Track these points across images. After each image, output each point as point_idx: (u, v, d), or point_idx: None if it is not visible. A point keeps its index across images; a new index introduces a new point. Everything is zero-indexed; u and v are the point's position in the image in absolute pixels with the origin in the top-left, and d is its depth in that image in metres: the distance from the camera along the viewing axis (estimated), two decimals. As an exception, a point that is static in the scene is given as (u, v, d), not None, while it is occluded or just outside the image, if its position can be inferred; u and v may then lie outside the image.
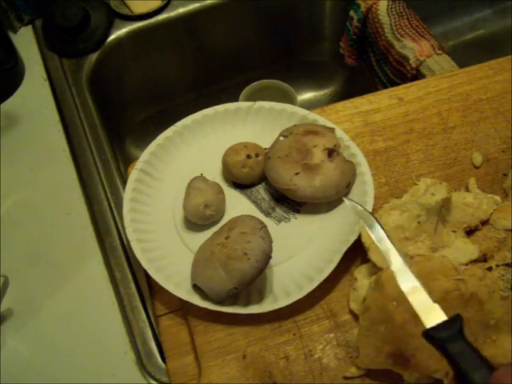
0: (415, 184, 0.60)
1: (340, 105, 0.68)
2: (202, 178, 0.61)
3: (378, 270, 0.52)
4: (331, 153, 0.59)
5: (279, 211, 0.61)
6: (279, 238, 0.56)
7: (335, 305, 0.55)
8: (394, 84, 0.81)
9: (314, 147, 0.59)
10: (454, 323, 0.41)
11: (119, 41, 0.80)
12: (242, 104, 0.67)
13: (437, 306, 0.42)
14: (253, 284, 0.53)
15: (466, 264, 0.52)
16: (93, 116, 0.73)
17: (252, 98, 0.85)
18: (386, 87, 0.84)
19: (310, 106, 1.01)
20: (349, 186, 0.59)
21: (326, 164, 0.58)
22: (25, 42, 0.77)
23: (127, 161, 0.80)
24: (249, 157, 0.61)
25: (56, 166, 0.66)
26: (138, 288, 0.60)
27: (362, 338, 0.50)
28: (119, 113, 0.89)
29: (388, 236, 0.48)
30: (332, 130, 0.61)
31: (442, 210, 0.55)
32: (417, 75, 0.76)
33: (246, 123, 0.66)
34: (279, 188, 0.59)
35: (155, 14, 0.80)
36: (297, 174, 0.58)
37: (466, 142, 0.65)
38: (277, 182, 0.59)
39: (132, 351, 0.55)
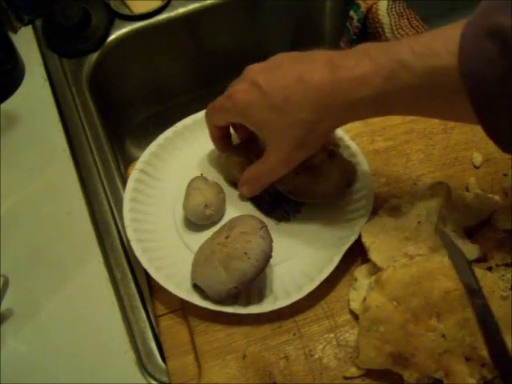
0: (415, 184, 0.60)
1: (340, 105, 0.68)
2: (202, 177, 0.61)
3: (378, 270, 0.52)
4: (331, 153, 0.59)
5: (279, 211, 0.61)
6: (279, 238, 0.56)
7: (335, 305, 0.55)
8: (394, 84, 0.81)
9: None
10: None
11: (119, 41, 0.80)
12: (242, 104, 0.67)
13: None
14: (253, 284, 0.53)
15: (466, 264, 0.52)
16: (93, 116, 0.73)
17: (252, 98, 0.85)
18: (386, 87, 0.84)
19: (310, 106, 1.00)
20: (349, 186, 0.59)
21: (326, 164, 0.58)
22: (25, 41, 0.77)
23: (127, 161, 0.80)
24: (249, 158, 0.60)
25: (56, 166, 0.66)
26: (138, 288, 0.60)
27: (362, 338, 0.50)
28: (119, 113, 0.88)
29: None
30: (335, 131, 0.61)
31: (442, 210, 0.55)
32: (417, 75, 0.76)
33: (246, 123, 0.66)
34: (279, 188, 0.59)
35: (155, 14, 0.80)
36: (297, 174, 0.58)
37: (466, 141, 0.65)
38: (277, 182, 0.59)
39: (132, 351, 0.55)
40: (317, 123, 0.48)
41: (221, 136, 0.60)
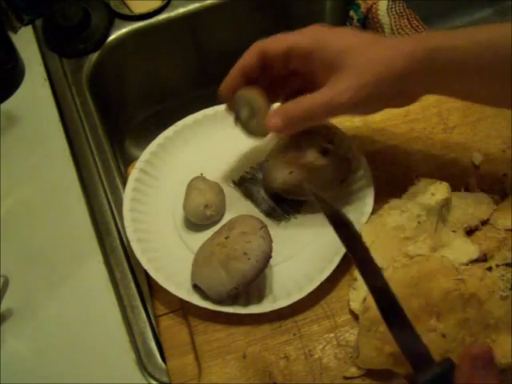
0: (415, 184, 0.60)
1: (340, 105, 0.68)
2: (202, 178, 0.61)
3: (378, 270, 0.52)
4: (325, 150, 0.59)
5: (279, 211, 0.61)
6: (279, 238, 0.56)
7: (335, 305, 0.55)
8: (394, 84, 0.81)
9: (309, 146, 0.59)
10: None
11: (119, 41, 0.79)
12: (242, 104, 0.67)
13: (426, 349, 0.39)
14: (253, 284, 0.53)
15: (466, 264, 0.52)
16: (93, 116, 0.73)
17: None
18: (386, 87, 0.84)
19: (310, 105, 1.00)
20: (343, 182, 0.59)
21: (319, 161, 0.58)
22: (25, 41, 0.76)
23: (127, 161, 0.80)
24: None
25: (56, 166, 0.66)
26: (138, 288, 0.60)
27: (362, 338, 0.50)
28: (119, 113, 0.88)
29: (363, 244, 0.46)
30: (330, 128, 0.61)
31: (442, 210, 0.55)
32: (417, 75, 0.76)
33: (246, 123, 0.66)
34: (275, 188, 0.59)
35: (155, 14, 0.80)
36: (291, 172, 0.58)
37: (466, 141, 0.65)
38: (271, 182, 0.59)
39: (132, 351, 0.55)
40: (405, 70, 0.48)
41: (248, 71, 0.53)
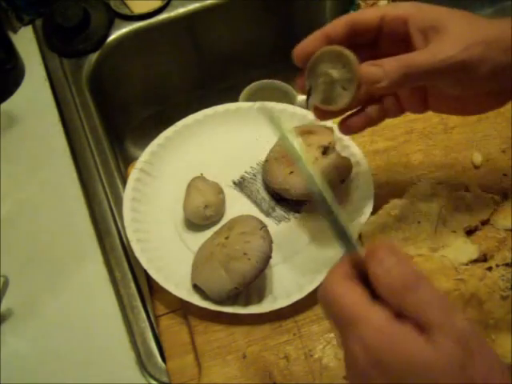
0: (415, 184, 0.60)
1: (340, 105, 0.68)
2: (202, 178, 0.61)
3: (378, 270, 0.52)
4: (326, 150, 0.59)
5: (279, 211, 0.61)
6: (279, 238, 0.56)
7: (335, 305, 0.55)
8: (394, 84, 0.81)
9: (309, 146, 0.59)
10: None
11: (119, 41, 0.80)
12: (242, 104, 0.67)
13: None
14: (253, 284, 0.53)
15: (466, 264, 0.52)
16: (93, 116, 0.73)
17: (252, 98, 0.85)
18: (386, 87, 0.83)
19: (310, 105, 1.00)
20: (343, 182, 0.59)
21: (320, 161, 0.58)
22: (25, 41, 0.77)
23: (127, 161, 0.80)
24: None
25: (56, 166, 0.66)
26: (138, 288, 0.60)
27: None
28: (119, 113, 0.88)
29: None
30: (330, 128, 0.61)
31: (442, 210, 0.55)
32: (417, 75, 0.76)
33: (247, 123, 0.66)
34: (274, 188, 0.59)
35: (155, 14, 0.80)
36: (290, 173, 0.58)
37: (466, 141, 0.65)
38: (271, 182, 0.59)
39: (132, 351, 0.55)
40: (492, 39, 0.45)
41: (333, 38, 0.48)
